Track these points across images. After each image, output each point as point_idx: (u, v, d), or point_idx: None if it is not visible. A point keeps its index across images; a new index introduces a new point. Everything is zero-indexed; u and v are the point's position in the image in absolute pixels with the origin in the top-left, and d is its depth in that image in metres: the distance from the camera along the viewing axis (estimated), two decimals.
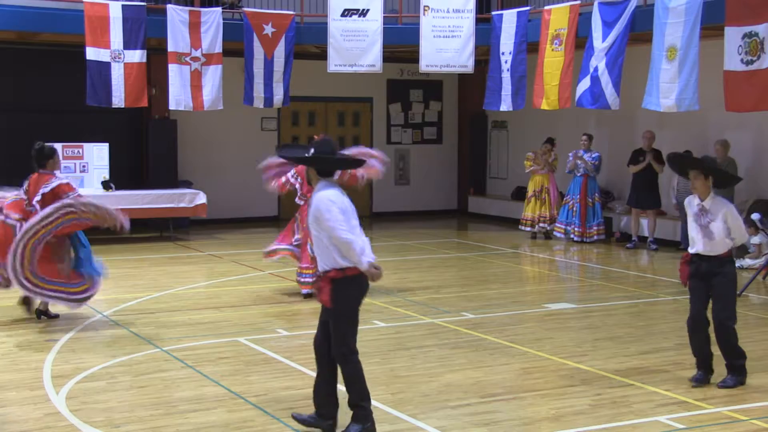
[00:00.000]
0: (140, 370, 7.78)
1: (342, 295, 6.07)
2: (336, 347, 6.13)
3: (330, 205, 6.03)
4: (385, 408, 6.74)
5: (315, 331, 6.29)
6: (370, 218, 19.43)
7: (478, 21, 16.38)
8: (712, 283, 7.39)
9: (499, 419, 6.57)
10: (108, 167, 15.63)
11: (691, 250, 7.50)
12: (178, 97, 15.67)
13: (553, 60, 15.32)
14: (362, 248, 6.05)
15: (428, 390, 7.23)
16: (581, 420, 6.57)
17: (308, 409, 6.71)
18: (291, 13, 16.42)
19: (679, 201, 14.89)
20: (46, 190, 9.30)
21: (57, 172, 9.59)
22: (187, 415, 6.57)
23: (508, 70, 16.09)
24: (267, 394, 7.01)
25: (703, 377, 7.45)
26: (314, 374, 6.06)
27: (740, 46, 12.09)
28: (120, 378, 7.53)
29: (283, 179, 10.73)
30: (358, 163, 6.97)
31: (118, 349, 8.48)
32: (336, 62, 16.29)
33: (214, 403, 6.83)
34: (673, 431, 6.34)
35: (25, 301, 9.71)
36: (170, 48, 15.47)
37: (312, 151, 6.23)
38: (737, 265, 13.03)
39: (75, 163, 15.66)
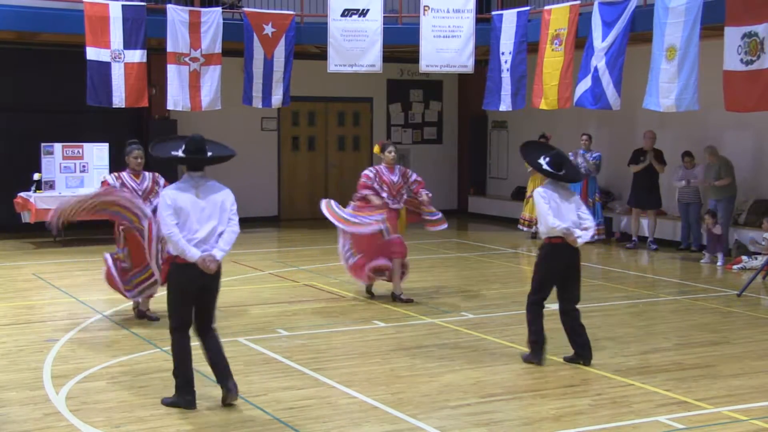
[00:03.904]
0: (140, 370, 7.77)
1: (171, 278, 6.69)
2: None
3: (161, 199, 6.68)
4: (385, 408, 6.74)
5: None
6: None
7: (478, 21, 16.37)
8: None
9: (499, 419, 6.57)
10: (108, 167, 15.59)
11: None
12: (176, 98, 15.67)
13: (552, 60, 15.31)
14: (178, 241, 6.47)
15: (428, 390, 7.22)
16: (581, 420, 6.57)
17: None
18: (291, 13, 16.41)
19: (681, 201, 14.93)
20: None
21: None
22: (187, 415, 6.57)
23: (507, 70, 16.08)
24: (267, 394, 7.00)
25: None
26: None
27: (740, 46, 12.08)
28: (120, 378, 7.52)
29: (367, 180, 10.50)
30: (225, 158, 7.38)
31: (118, 349, 8.47)
32: (336, 62, 16.29)
33: (214, 403, 6.83)
34: (673, 431, 6.34)
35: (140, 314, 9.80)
36: (169, 48, 15.47)
37: (183, 148, 6.90)
38: (739, 266, 13.17)
39: (75, 163, 15.65)
